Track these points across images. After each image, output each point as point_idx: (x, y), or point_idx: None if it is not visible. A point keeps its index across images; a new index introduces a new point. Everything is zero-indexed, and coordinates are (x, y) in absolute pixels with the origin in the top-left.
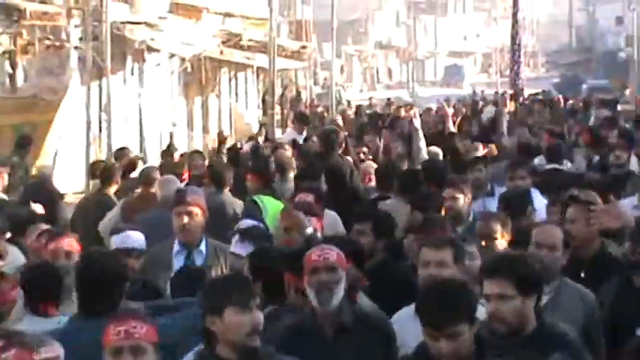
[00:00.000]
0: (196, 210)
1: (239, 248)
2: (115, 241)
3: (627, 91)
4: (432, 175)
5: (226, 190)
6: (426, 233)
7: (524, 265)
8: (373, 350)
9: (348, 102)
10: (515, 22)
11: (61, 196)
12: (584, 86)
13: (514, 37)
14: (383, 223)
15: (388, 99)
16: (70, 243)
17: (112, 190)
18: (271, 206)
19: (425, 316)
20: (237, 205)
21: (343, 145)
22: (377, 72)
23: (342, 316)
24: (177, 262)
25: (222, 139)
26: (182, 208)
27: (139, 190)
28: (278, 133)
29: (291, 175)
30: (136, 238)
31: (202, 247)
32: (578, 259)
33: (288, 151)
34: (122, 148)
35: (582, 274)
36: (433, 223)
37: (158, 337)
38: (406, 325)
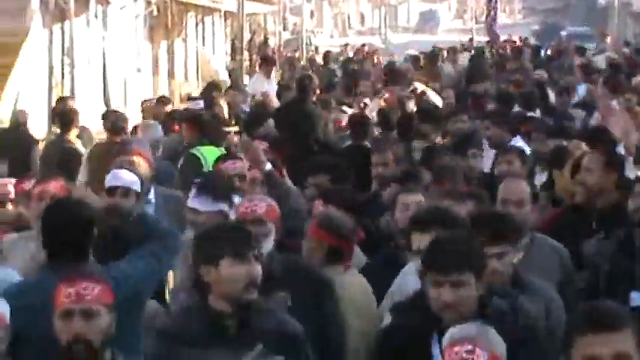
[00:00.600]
0: (138, 159)
1: (196, 203)
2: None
3: (608, 39)
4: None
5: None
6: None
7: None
8: (304, 300)
9: (316, 47)
10: None
11: (37, 141)
12: (563, 33)
13: None
14: (341, 175)
15: (362, 45)
16: (57, 186)
17: (73, 134)
18: (211, 156)
19: (431, 259)
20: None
21: (317, 91)
22: (348, 17)
23: (271, 266)
24: None
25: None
26: (127, 158)
27: (104, 138)
28: (246, 80)
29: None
30: (122, 176)
31: (151, 195)
32: (590, 210)
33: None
34: (63, 98)
35: (594, 226)
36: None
37: (113, 296)
38: (408, 278)
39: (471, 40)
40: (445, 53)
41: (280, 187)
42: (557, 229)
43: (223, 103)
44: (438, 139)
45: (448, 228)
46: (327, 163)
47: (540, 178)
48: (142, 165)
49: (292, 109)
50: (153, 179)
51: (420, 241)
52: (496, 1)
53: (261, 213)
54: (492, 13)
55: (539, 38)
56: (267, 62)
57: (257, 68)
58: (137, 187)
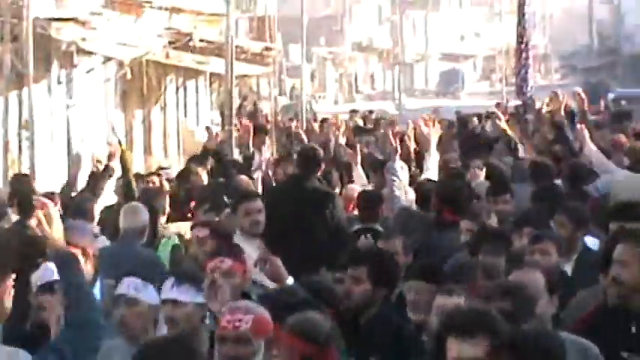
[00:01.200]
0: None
1: (177, 293)
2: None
3: None
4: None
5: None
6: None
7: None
8: None
9: (314, 114)
10: (521, 16)
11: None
12: (611, 95)
13: (521, 35)
14: (382, 267)
15: (369, 111)
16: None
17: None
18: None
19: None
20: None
21: (322, 166)
22: (355, 79)
23: None
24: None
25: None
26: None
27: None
28: (236, 152)
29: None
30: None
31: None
32: (628, 310)
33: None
34: (20, 175)
35: (633, 330)
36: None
37: None
38: None
39: (499, 104)
40: (476, 120)
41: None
42: (590, 331)
43: (203, 175)
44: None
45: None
46: (369, 252)
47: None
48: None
49: (290, 188)
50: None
51: (460, 351)
52: (527, 57)
53: (246, 329)
54: (523, 72)
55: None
56: (259, 131)
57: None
58: (151, 297)
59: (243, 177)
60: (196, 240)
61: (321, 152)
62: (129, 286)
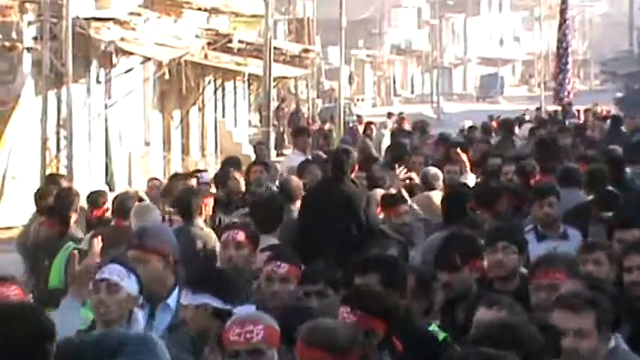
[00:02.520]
0: (154, 258)
1: (191, 298)
2: None
3: None
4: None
5: (197, 221)
6: None
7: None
8: None
9: (359, 117)
10: (563, 21)
11: None
12: None
13: (561, 39)
14: (394, 274)
15: (400, 113)
16: (13, 292)
17: (72, 219)
18: None
19: None
20: (210, 238)
21: (356, 167)
22: (393, 82)
23: None
24: (137, 324)
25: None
26: (136, 254)
27: (111, 223)
28: (273, 154)
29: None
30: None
31: (171, 300)
32: None
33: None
34: (53, 175)
35: None
36: None
37: None
38: None
39: (539, 109)
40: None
41: None
42: None
43: (240, 179)
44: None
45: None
46: (380, 259)
47: None
48: (158, 263)
49: (325, 190)
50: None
51: None
52: (566, 62)
53: (259, 340)
54: (561, 76)
55: (621, 107)
56: (301, 134)
57: (286, 142)
58: (132, 286)
59: (294, 178)
60: (232, 242)
61: (355, 154)
62: (112, 272)
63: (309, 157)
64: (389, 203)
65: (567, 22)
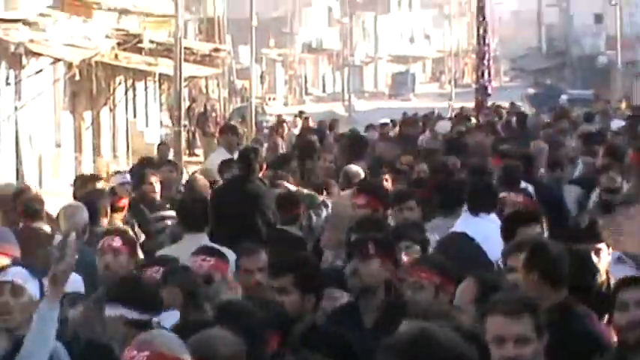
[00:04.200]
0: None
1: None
2: None
3: (623, 104)
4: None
5: (103, 223)
6: None
7: None
8: None
9: (279, 116)
10: (482, 18)
11: None
12: (564, 97)
13: (482, 36)
14: (308, 275)
15: (300, 112)
16: None
17: None
18: None
19: None
20: None
21: (264, 166)
22: (305, 81)
23: None
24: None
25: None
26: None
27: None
28: (185, 156)
29: None
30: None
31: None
32: None
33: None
34: None
35: None
36: None
37: None
38: None
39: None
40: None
41: None
42: None
43: (156, 182)
44: None
45: None
46: (293, 260)
47: None
48: None
49: (233, 188)
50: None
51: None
52: (489, 59)
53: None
54: (487, 73)
55: (534, 103)
56: (230, 132)
57: (198, 141)
58: (34, 291)
59: (200, 177)
60: (109, 249)
61: (261, 152)
62: (15, 274)
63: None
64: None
65: (486, 19)
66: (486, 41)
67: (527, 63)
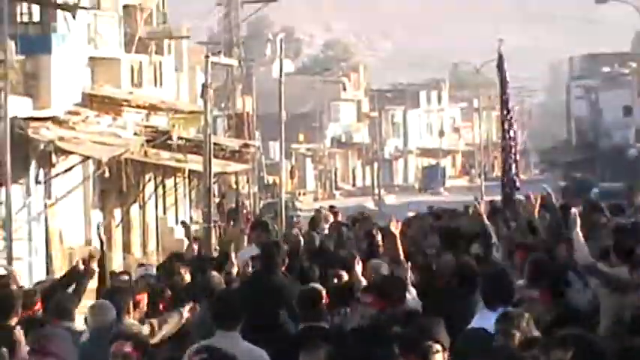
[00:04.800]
0: None
1: None
2: None
3: None
4: None
5: (126, 321)
6: None
7: None
8: None
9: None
10: (507, 110)
11: None
12: (595, 191)
13: (507, 130)
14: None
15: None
16: None
17: (13, 322)
18: None
19: None
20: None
21: (287, 262)
22: (335, 175)
23: None
24: None
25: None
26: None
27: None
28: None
29: None
30: None
31: None
32: None
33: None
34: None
35: None
36: None
37: None
38: None
39: (477, 199)
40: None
41: None
42: None
43: (186, 274)
44: None
45: None
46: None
47: None
48: None
49: (256, 283)
50: None
51: None
52: (516, 152)
53: None
54: (514, 166)
55: (566, 197)
56: (261, 228)
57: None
58: None
59: (215, 274)
60: (120, 354)
61: (284, 247)
62: None
63: None
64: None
65: (511, 112)
66: (511, 134)
67: (557, 156)
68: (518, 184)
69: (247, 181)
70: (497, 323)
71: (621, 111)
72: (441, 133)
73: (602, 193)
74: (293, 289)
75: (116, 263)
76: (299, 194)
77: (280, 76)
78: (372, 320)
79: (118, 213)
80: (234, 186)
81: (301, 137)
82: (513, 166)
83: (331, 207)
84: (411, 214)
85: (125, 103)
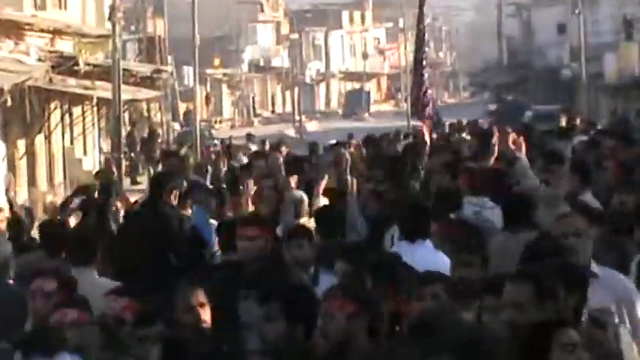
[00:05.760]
0: None
1: None
2: None
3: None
4: None
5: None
6: None
7: None
8: None
9: (223, 140)
10: (420, 29)
11: None
12: (528, 114)
13: (418, 49)
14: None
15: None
16: None
17: None
18: None
19: None
20: None
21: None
22: (253, 102)
23: None
24: None
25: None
26: None
27: None
28: (126, 183)
29: None
30: None
31: None
32: None
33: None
34: None
35: None
36: None
37: None
38: None
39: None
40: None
41: None
42: None
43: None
44: None
45: None
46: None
47: None
48: None
49: (140, 212)
50: None
51: None
52: (422, 74)
53: None
54: (423, 90)
55: (496, 120)
56: (168, 158)
57: (140, 169)
58: None
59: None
60: (40, 293)
61: (171, 178)
62: None
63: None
64: None
65: (424, 30)
66: (421, 56)
67: (487, 77)
68: (426, 109)
69: (160, 109)
70: None
71: (555, 29)
72: (365, 56)
73: (535, 117)
74: (174, 219)
75: (21, 196)
76: (215, 122)
77: None
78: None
79: (22, 144)
80: (146, 114)
81: (217, 62)
82: (416, 88)
83: (249, 135)
84: (332, 141)
85: (27, 27)
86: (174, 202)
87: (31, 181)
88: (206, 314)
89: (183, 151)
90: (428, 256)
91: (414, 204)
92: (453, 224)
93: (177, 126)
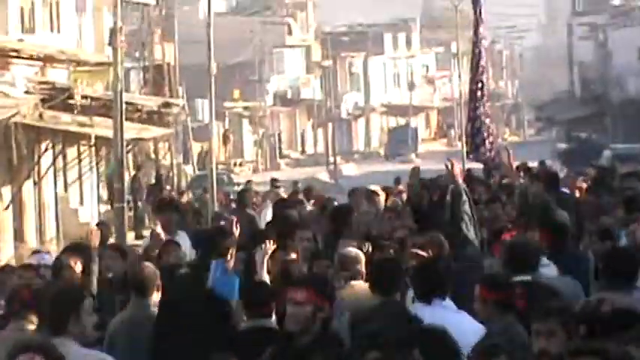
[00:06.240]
0: None
1: None
2: None
3: None
4: None
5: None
6: None
7: None
8: None
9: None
10: (476, 54)
11: None
12: (606, 154)
13: (474, 80)
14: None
15: (272, 180)
16: None
17: None
18: None
19: None
20: None
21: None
22: (279, 140)
23: None
24: None
25: None
26: None
27: None
28: (130, 237)
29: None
30: None
31: None
32: None
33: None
34: None
35: None
36: None
37: None
38: None
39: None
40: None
41: None
42: None
43: (75, 264)
44: None
45: None
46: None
47: None
48: None
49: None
50: None
51: None
52: (476, 107)
53: None
54: (469, 127)
55: (565, 162)
56: (163, 210)
57: (146, 221)
58: None
59: (148, 265)
60: None
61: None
62: None
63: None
64: None
65: (481, 53)
66: (478, 85)
67: (556, 111)
68: (480, 150)
69: (169, 149)
70: None
71: (636, 53)
72: (411, 86)
73: (615, 157)
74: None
75: (6, 253)
76: (234, 165)
77: (209, 16)
78: None
79: (7, 191)
80: (153, 156)
81: (236, 94)
82: (471, 125)
83: (273, 180)
84: (374, 187)
85: (14, 54)
86: None
87: (18, 236)
88: None
89: (186, 197)
90: (447, 318)
91: (425, 262)
92: None
93: (189, 169)
